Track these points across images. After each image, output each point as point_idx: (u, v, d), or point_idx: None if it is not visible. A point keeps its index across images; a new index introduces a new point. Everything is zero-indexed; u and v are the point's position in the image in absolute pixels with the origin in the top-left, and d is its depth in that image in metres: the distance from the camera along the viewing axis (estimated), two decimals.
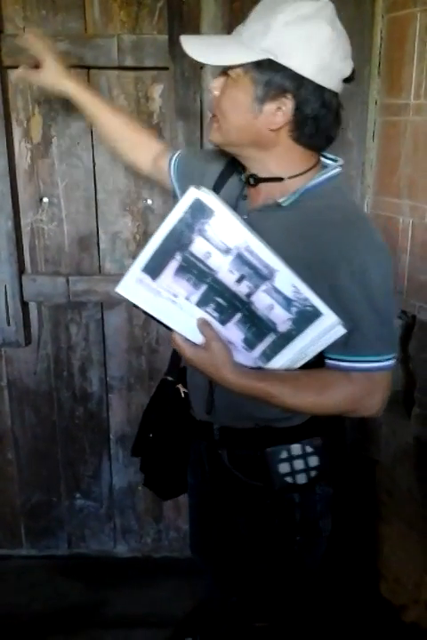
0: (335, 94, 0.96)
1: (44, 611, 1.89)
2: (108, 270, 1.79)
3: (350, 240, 0.95)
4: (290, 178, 1.00)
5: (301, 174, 1.00)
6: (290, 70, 0.90)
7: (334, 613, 1.81)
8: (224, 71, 0.98)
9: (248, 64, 0.92)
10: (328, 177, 1.00)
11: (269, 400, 0.99)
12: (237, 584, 1.37)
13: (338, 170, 1.03)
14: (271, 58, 0.90)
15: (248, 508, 1.21)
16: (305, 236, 0.97)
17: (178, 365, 1.32)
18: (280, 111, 0.94)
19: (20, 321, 1.78)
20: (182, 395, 1.29)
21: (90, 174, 1.70)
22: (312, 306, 0.92)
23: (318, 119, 0.95)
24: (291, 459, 1.10)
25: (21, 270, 1.76)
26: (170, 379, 1.33)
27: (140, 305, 0.94)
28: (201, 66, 1.52)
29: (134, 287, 0.92)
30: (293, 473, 1.11)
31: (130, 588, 1.97)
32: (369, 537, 1.91)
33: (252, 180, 1.03)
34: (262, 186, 1.03)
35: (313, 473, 1.11)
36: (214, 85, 1.00)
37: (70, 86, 1.27)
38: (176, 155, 1.30)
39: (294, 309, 0.93)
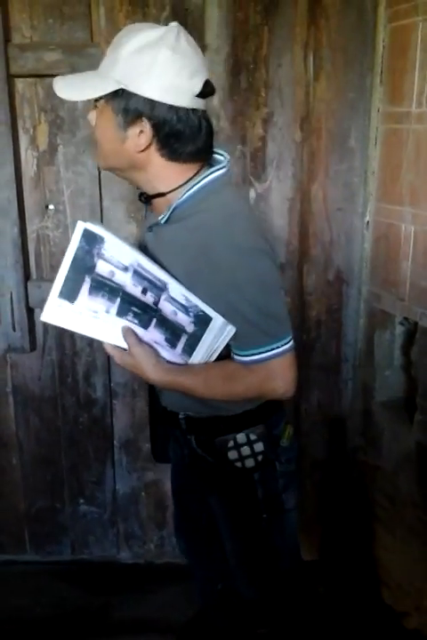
0: (193, 110, 1.02)
1: (46, 616, 1.89)
2: None
3: (215, 248, 1.02)
4: (170, 192, 1.08)
5: (180, 186, 1.07)
6: (140, 96, 0.98)
7: (335, 619, 1.81)
8: (95, 104, 1.06)
9: (107, 95, 1.00)
10: (200, 187, 1.06)
11: (188, 392, 1.12)
12: (217, 568, 1.46)
13: (213, 176, 1.07)
14: (122, 87, 0.98)
15: (217, 486, 1.30)
16: (184, 247, 1.06)
17: None
18: (143, 134, 1.01)
19: (26, 327, 1.79)
20: None
21: (95, 182, 1.72)
22: (203, 311, 1.04)
23: (180, 135, 1.02)
24: (238, 446, 1.20)
25: (27, 277, 1.78)
26: None
27: (66, 327, 1.03)
28: None
29: (56, 312, 1.00)
30: (241, 458, 1.20)
31: (133, 594, 1.97)
32: (370, 543, 1.91)
33: (143, 198, 1.15)
34: (155, 202, 1.13)
35: (260, 457, 1.20)
36: (90, 117, 1.08)
37: None
38: None
39: (191, 314, 1.05)
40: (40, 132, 1.69)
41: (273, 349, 1.07)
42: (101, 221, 1.75)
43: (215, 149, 1.13)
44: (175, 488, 1.56)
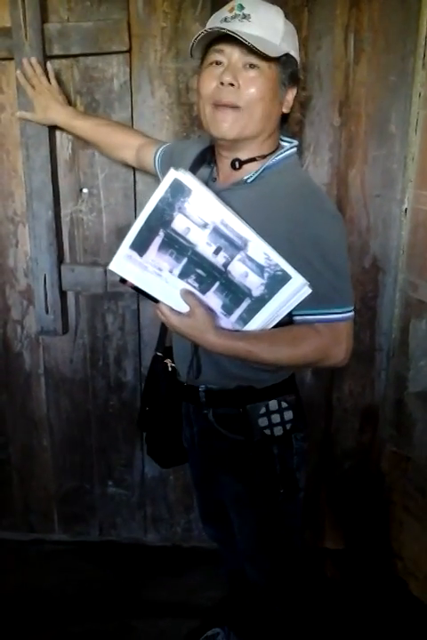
0: None
1: (74, 595, 1.92)
2: None
3: (305, 209, 1.06)
4: (264, 156, 1.13)
5: (272, 153, 1.14)
6: (296, 60, 1.11)
7: (359, 612, 1.81)
8: (239, 63, 1.05)
9: (276, 57, 1.05)
10: (285, 156, 1.14)
11: (249, 357, 1.10)
12: (239, 548, 1.46)
13: (294, 150, 1.17)
14: (290, 52, 1.08)
15: (233, 463, 1.30)
16: (267, 208, 1.08)
17: (164, 341, 1.41)
18: (290, 97, 1.13)
19: (59, 310, 1.80)
20: (170, 368, 1.38)
21: (129, 165, 1.70)
22: (282, 270, 1.02)
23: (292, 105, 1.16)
24: (269, 413, 1.22)
25: (60, 260, 1.78)
26: (159, 354, 1.41)
27: (129, 279, 1.04)
28: None
29: (124, 263, 1.02)
30: (270, 426, 1.23)
31: (159, 576, 2.00)
32: (398, 534, 1.90)
33: (237, 164, 1.14)
34: (228, 168, 1.15)
35: (288, 425, 1.23)
36: (234, 76, 1.04)
37: (59, 120, 1.57)
38: (160, 148, 1.42)
39: (266, 275, 1.03)
40: None
41: (343, 313, 1.09)
42: (135, 205, 1.75)
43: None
44: (194, 475, 1.57)
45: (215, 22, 1.06)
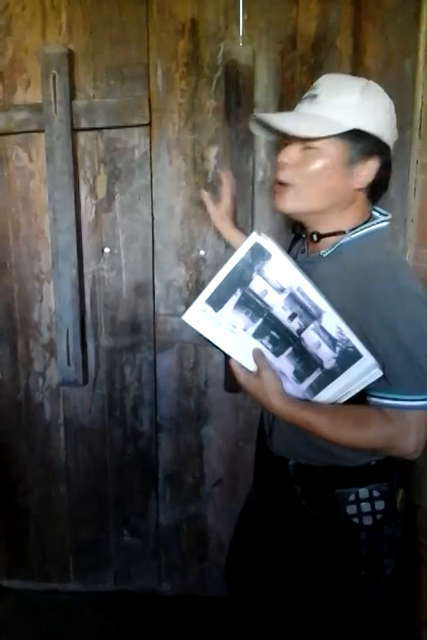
0: None
1: None
2: (162, 315, 1.91)
3: (377, 287, 1.03)
4: (351, 231, 1.11)
5: (359, 227, 1.11)
6: (373, 135, 1.06)
7: None
8: (299, 142, 1.08)
9: (338, 134, 1.05)
10: (369, 231, 1.11)
11: (309, 428, 1.08)
12: (274, 623, 1.38)
13: (380, 225, 1.13)
14: (359, 128, 1.04)
15: (312, 541, 1.24)
16: (341, 283, 1.07)
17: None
18: (366, 172, 1.08)
19: (80, 362, 1.90)
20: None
21: (148, 227, 1.84)
22: (353, 347, 1.01)
23: (387, 178, 1.13)
24: (359, 501, 1.15)
25: (82, 314, 1.89)
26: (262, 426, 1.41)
27: (202, 332, 1.04)
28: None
29: (198, 316, 1.03)
30: (360, 514, 1.16)
31: (172, 626, 2.01)
32: (410, 583, 1.92)
33: (315, 237, 1.15)
34: (311, 241, 1.17)
35: (379, 516, 1.16)
36: (288, 155, 1.10)
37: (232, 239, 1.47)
38: None
39: (338, 349, 1.02)
40: (99, 182, 1.83)
41: (417, 400, 1.02)
42: (152, 264, 1.87)
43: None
44: (247, 526, 1.50)
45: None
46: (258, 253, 0.97)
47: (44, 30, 1.75)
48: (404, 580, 1.89)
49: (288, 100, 1.70)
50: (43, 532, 2.15)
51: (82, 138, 1.79)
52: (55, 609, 2.11)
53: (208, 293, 1.01)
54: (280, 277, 0.99)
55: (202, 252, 1.85)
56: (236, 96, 1.66)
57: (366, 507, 1.15)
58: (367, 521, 1.15)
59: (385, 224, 1.14)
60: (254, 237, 0.96)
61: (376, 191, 1.14)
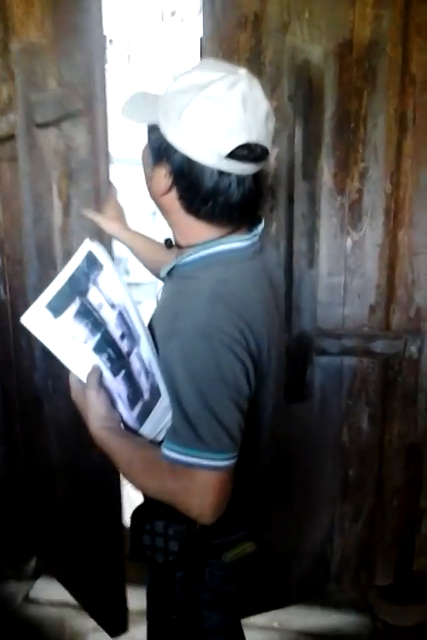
0: (227, 173, 0.89)
1: None
2: None
3: (181, 318, 0.91)
4: (188, 247, 0.99)
5: (197, 245, 0.98)
6: (165, 138, 0.91)
7: None
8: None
9: (148, 126, 0.94)
10: (206, 254, 0.97)
11: (113, 461, 0.98)
12: None
13: (224, 247, 0.97)
14: (157, 123, 0.91)
15: (150, 573, 1.19)
16: (167, 307, 1.00)
17: None
18: (165, 177, 0.94)
19: None
20: None
21: None
22: (157, 383, 0.96)
23: (198, 191, 0.91)
24: (154, 534, 1.05)
25: None
26: None
27: (41, 339, 0.91)
28: None
29: (37, 321, 0.89)
30: (153, 548, 1.06)
31: None
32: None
33: (167, 243, 1.10)
34: (178, 252, 1.04)
35: (171, 557, 1.05)
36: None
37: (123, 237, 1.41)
38: None
39: (150, 381, 0.96)
40: None
41: (203, 459, 0.88)
42: None
43: (259, 219, 1.04)
44: None
45: None
46: (92, 263, 0.90)
47: None
48: None
49: (345, 103, 1.71)
50: None
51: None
52: None
53: (47, 298, 0.88)
54: (111, 292, 0.92)
55: None
56: (307, 97, 1.62)
57: (159, 542, 1.05)
58: (159, 558, 1.06)
59: (236, 245, 0.99)
60: (88, 245, 0.89)
61: (194, 207, 0.95)
